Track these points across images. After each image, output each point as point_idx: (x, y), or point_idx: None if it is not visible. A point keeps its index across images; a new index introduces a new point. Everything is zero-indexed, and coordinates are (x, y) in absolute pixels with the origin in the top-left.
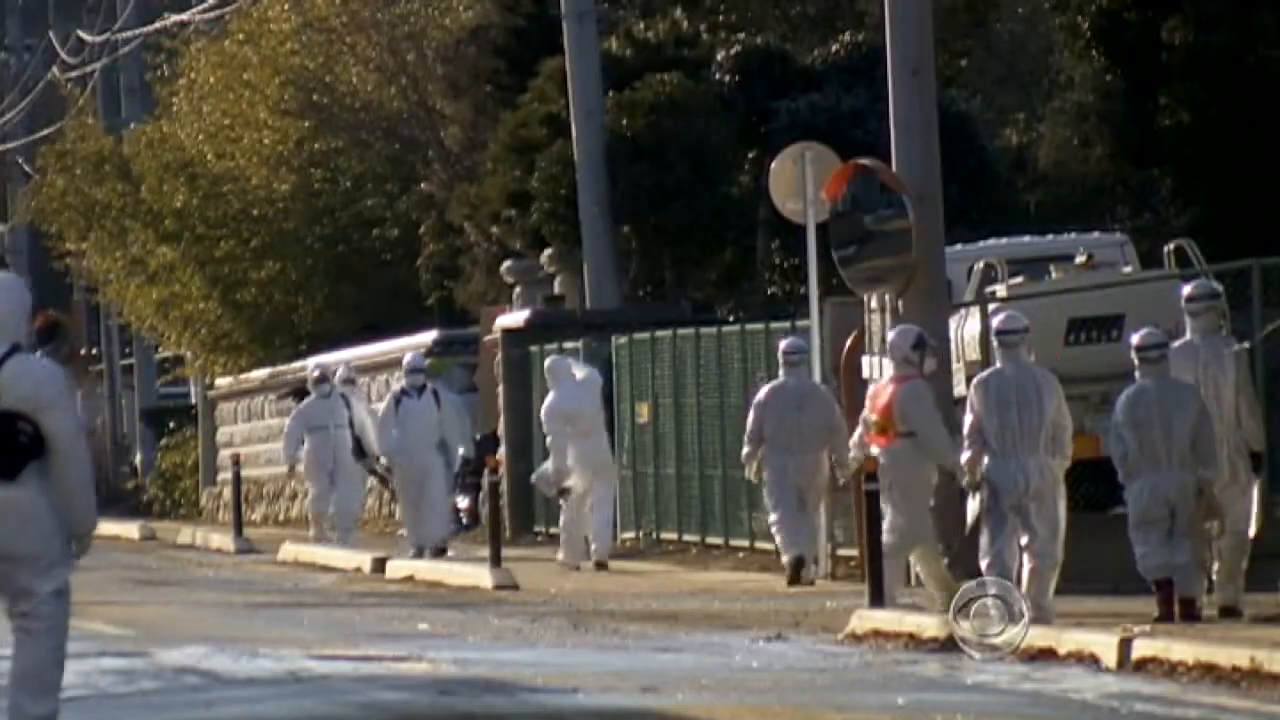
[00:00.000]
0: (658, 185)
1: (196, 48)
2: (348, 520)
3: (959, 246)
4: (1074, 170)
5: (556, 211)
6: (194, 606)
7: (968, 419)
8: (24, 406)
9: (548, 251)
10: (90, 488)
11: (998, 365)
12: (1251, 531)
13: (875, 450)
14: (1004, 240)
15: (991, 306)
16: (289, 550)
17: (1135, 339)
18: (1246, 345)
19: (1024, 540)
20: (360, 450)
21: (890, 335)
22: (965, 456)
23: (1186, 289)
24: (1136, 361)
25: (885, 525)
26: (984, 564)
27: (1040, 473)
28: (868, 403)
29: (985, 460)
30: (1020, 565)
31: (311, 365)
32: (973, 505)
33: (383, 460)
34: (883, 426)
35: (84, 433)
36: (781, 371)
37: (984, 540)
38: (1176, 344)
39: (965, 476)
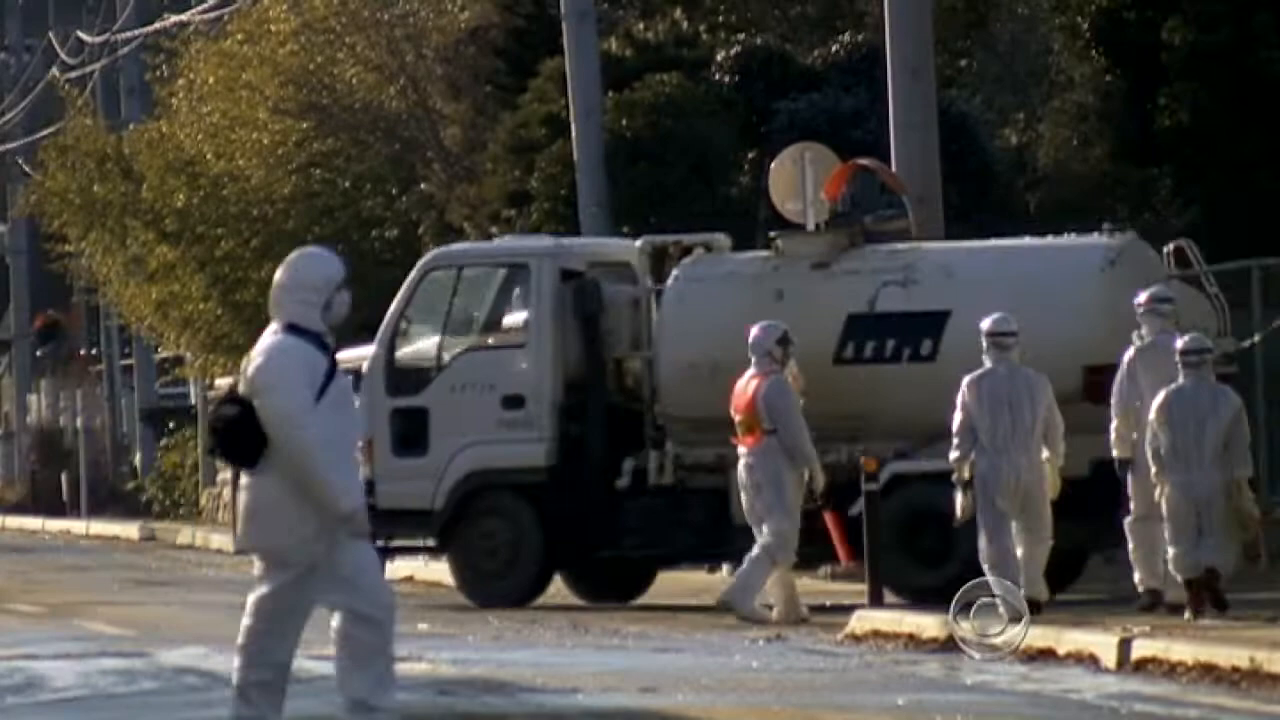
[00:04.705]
0: (658, 185)
1: (196, 48)
2: None
3: None
4: (1074, 170)
5: (556, 212)
6: (194, 606)
7: (957, 417)
8: (248, 390)
9: None
10: (320, 473)
11: (988, 365)
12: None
13: (742, 451)
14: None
15: None
16: None
17: (1179, 344)
18: (1251, 342)
19: (1015, 535)
20: None
21: (754, 330)
22: (954, 455)
23: (1142, 295)
24: (1180, 365)
25: (767, 529)
26: (984, 564)
27: (1032, 471)
28: (733, 401)
29: (974, 458)
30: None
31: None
32: (960, 501)
33: None
34: (749, 425)
35: (299, 416)
36: None
37: (982, 540)
38: (1144, 345)
39: (954, 474)
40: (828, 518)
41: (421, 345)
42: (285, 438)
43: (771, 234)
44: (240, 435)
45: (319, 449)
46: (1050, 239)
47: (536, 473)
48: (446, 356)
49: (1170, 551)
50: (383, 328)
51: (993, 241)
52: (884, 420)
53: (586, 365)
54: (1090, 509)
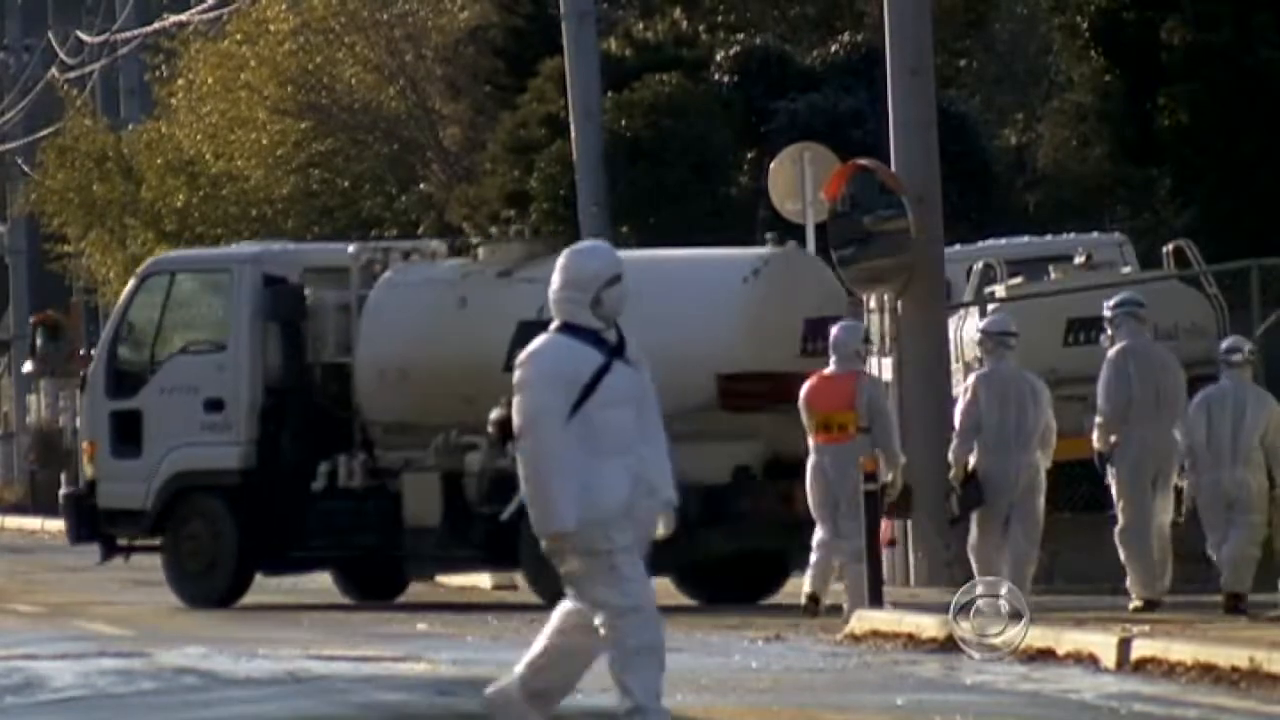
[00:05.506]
0: (657, 185)
1: (195, 48)
2: None
3: (958, 246)
4: (1073, 170)
5: (555, 212)
6: (194, 607)
7: (960, 414)
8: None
9: None
10: (534, 485)
11: (991, 365)
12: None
13: (817, 447)
14: (1003, 240)
15: (990, 307)
16: None
17: (1223, 344)
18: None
19: (1005, 539)
20: None
21: (835, 330)
22: (953, 453)
23: (1113, 300)
24: (1221, 365)
25: (848, 531)
26: (973, 559)
27: (1032, 472)
28: (803, 402)
29: (976, 456)
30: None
31: None
32: (954, 498)
33: None
34: (840, 422)
35: (535, 419)
36: None
37: (974, 535)
38: (1121, 346)
39: (952, 469)
40: (883, 523)
41: (138, 349)
42: (520, 437)
43: (474, 241)
44: (508, 436)
45: (545, 458)
46: (709, 250)
47: (233, 475)
48: (158, 360)
49: (1209, 543)
50: (105, 332)
51: (656, 251)
52: None
53: (286, 370)
54: (730, 515)
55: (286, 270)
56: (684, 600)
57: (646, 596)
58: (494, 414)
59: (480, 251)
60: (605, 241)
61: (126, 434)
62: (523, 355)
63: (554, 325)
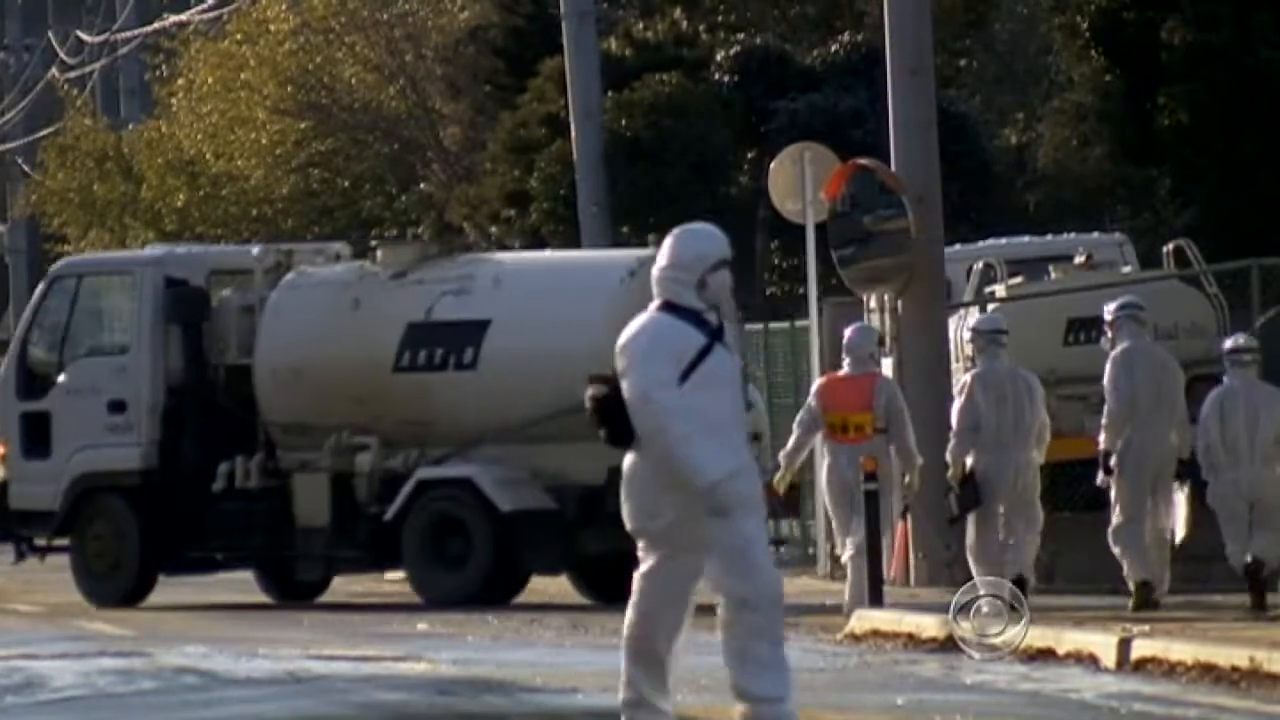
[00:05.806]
0: (657, 185)
1: (195, 48)
2: None
3: (959, 246)
4: (1073, 170)
5: (555, 211)
6: (194, 607)
7: (960, 413)
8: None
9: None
10: (668, 449)
11: (988, 364)
12: (1179, 537)
13: (833, 448)
14: (1003, 240)
15: (990, 307)
16: None
17: (1227, 343)
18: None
19: (1005, 537)
20: None
21: (849, 333)
22: (951, 453)
23: (1113, 304)
24: (1227, 364)
25: (857, 526)
26: (971, 559)
27: (1029, 469)
28: (817, 401)
29: (973, 455)
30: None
31: None
32: (953, 496)
33: None
34: (859, 423)
35: (652, 392)
36: None
37: (971, 534)
38: (1124, 348)
39: (950, 469)
40: (899, 524)
41: (48, 351)
42: (638, 414)
43: (372, 243)
44: (609, 414)
45: (675, 423)
46: (592, 252)
47: (134, 476)
48: (65, 362)
49: (1227, 548)
50: (16, 333)
51: (546, 253)
52: (441, 426)
53: (187, 371)
54: (603, 516)
55: (190, 273)
56: (582, 600)
57: (664, 612)
58: (590, 391)
59: (379, 253)
60: (713, 226)
61: (36, 435)
62: (625, 336)
63: (655, 304)
